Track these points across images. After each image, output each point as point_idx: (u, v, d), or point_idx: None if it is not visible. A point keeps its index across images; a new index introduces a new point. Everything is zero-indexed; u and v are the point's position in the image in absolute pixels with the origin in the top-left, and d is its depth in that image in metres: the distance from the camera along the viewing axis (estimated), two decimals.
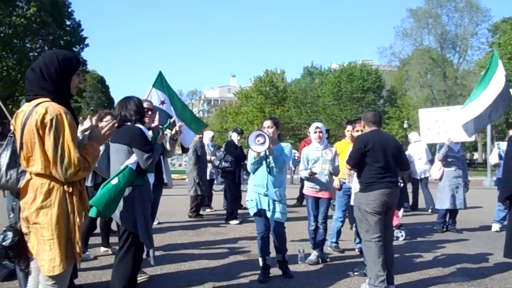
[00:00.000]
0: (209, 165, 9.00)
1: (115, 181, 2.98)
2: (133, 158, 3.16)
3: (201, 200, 8.55)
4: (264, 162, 4.23)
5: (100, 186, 3.09)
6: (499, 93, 6.09)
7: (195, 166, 8.10)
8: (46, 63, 2.29)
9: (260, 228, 4.32)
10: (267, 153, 4.18)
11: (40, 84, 2.26)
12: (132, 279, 3.34)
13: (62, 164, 2.17)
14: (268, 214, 4.23)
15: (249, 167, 4.39)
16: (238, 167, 8.12)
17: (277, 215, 4.22)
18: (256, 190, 4.27)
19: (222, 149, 8.64)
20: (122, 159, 3.21)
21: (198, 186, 8.12)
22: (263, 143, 4.04)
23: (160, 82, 5.96)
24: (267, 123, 4.45)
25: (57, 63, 2.30)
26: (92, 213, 2.97)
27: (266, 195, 4.19)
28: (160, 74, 5.97)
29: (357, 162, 3.99)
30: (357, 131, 5.00)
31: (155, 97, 5.85)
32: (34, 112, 2.18)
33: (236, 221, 7.68)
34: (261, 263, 4.31)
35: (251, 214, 4.37)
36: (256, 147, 4.08)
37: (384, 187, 3.89)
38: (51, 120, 2.15)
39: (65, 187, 2.24)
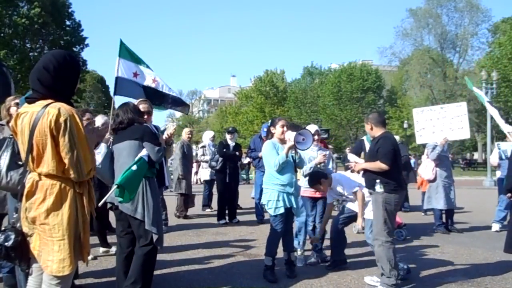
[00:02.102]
0: (204, 165, 9.07)
1: (135, 167, 3.18)
2: (144, 151, 3.37)
3: (186, 199, 8.18)
4: (292, 162, 4.28)
5: (121, 173, 3.18)
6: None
7: (180, 162, 7.93)
8: (59, 63, 2.26)
9: (281, 227, 4.27)
10: (294, 153, 4.25)
11: (51, 85, 2.23)
12: (148, 273, 3.44)
13: (79, 164, 2.19)
14: (294, 211, 4.34)
15: (277, 168, 4.18)
16: (229, 166, 7.94)
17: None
18: (283, 190, 4.21)
19: (214, 149, 8.68)
20: (134, 153, 3.39)
21: (185, 184, 7.93)
22: (306, 141, 4.09)
23: (125, 51, 5.78)
24: (284, 122, 4.37)
25: (71, 64, 2.32)
26: (118, 194, 3.06)
27: (293, 193, 4.27)
28: (122, 42, 5.74)
29: (392, 162, 3.89)
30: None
31: (126, 69, 5.68)
32: (46, 113, 2.15)
33: (223, 221, 7.65)
34: (270, 263, 4.28)
35: (274, 213, 4.20)
36: (301, 145, 4.11)
37: (404, 188, 4.08)
38: (65, 121, 2.15)
39: (76, 188, 2.25)
